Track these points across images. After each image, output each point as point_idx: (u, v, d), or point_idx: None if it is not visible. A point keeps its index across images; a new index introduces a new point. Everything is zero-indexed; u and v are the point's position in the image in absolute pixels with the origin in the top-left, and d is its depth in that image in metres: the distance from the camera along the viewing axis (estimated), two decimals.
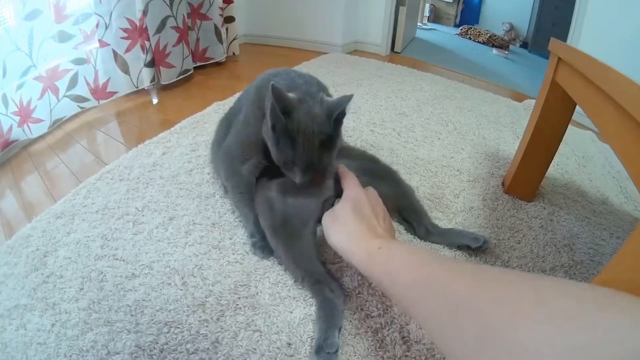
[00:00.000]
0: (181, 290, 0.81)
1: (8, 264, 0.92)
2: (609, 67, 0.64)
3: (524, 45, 3.90)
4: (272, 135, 0.78)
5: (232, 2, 2.36)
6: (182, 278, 0.83)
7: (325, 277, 0.78)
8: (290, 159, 0.77)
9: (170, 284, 0.82)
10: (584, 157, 1.42)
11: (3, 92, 1.49)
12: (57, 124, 1.67)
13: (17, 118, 1.53)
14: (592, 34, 1.84)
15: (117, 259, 0.89)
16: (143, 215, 1.03)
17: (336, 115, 0.76)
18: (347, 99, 0.78)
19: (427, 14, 4.48)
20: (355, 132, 1.47)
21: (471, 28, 3.95)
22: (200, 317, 0.75)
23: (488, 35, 3.73)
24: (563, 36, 1.95)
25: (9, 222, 1.14)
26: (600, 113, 0.69)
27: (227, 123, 1.09)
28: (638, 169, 0.53)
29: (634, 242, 0.47)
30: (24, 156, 1.50)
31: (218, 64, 2.39)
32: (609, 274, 0.50)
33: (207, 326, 0.73)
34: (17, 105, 1.53)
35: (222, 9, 2.28)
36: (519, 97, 2.06)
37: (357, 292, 0.80)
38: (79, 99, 1.76)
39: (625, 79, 0.57)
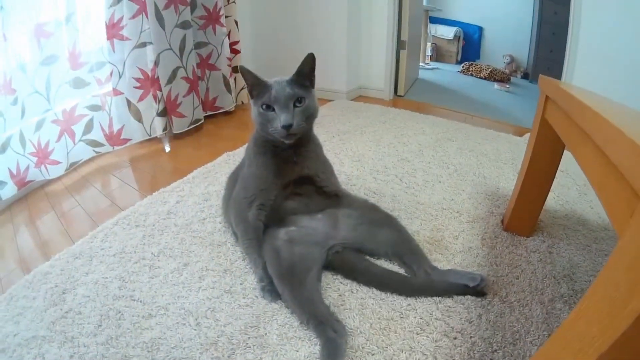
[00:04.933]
0: (195, 330, 0.88)
1: (26, 297, 0.99)
2: (587, 105, 0.64)
3: (525, 76, 3.92)
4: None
5: (239, 52, 2.49)
6: (196, 319, 0.91)
7: (329, 318, 0.85)
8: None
9: (184, 324, 0.89)
10: (585, 184, 1.44)
11: (21, 133, 1.59)
12: (73, 167, 1.77)
13: (35, 159, 1.63)
14: (586, 57, 1.94)
15: (134, 300, 0.97)
16: (159, 260, 1.11)
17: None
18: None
19: (429, 53, 4.47)
20: (359, 180, 1.54)
21: (472, 64, 3.98)
22: (212, 354, 0.82)
23: (489, 70, 3.76)
24: (561, 62, 2.06)
25: (24, 258, 1.22)
26: (581, 152, 0.69)
27: (234, 178, 1.21)
28: (613, 206, 0.53)
29: (607, 272, 0.48)
30: (40, 195, 1.60)
31: (227, 113, 2.49)
32: (585, 303, 0.50)
33: None
34: (35, 147, 1.64)
35: (229, 59, 2.40)
36: (520, 131, 2.12)
37: (358, 331, 0.87)
38: (94, 143, 1.87)
39: (600, 117, 0.57)
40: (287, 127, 0.95)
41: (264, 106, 0.98)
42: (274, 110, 0.97)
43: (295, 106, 0.98)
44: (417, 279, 0.99)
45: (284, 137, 0.97)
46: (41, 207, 1.50)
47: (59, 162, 1.72)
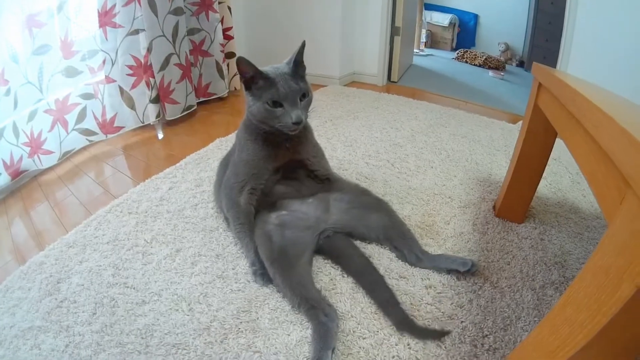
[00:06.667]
0: (188, 315, 0.89)
1: (22, 288, 1.00)
2: (578, 92, 0.65)
3: (521, 64, 3.90)
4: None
5: (232, 38, 2.47)
6: (189, 305, 0.91)
7: (320, 302, 0.86)
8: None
9: (177, 310, 0.90)
10: (577, 173, 1.43)
11: (14, 123, 1.58)
12: (66, 156, 1.76)
13: (28, 149, 1.62)
14: (582, 47, 1.95)
15: (127, 287, 0.98)
16: (152, 247, 1.11)
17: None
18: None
19: (423, 39, 4.46)
20: (350, 165, 1.54)
21: (467, 51, 3.98)
22: (205, 339, 0.83)
23: (484, 57, 3.76)
24: (557, 51, 2.06)
25: (19, 248, 1.22)
26: (573, 139, 0.70)
27: (225, 164, 1.21)
28: (603, 192, 0.53)
29: (595, 260, 0.49)
30: (34, 185, 1.59)
31: (220, 99, 2.48)
32: (574, 289, 0.51)
33: (211, 348, 0.81)
34: (28, 137, 1.62)
35: (222, 45, 2.38)
36: (514, 119, 2.11)
37: (349, 315, 0.88)
38: (88, 132, 1.86)
39: (591, 104, 0.57)
40: (299, 123, 0.97)
41: (270, 102, 0.97)
42: (281, 106, 0.97)
43: (300, 100, 0.99)
44: (386, 292, 0.92)
45: (292, 131, 0.99)
46: (35, 197, 1.50)
47: (52, 152, 1.71)
